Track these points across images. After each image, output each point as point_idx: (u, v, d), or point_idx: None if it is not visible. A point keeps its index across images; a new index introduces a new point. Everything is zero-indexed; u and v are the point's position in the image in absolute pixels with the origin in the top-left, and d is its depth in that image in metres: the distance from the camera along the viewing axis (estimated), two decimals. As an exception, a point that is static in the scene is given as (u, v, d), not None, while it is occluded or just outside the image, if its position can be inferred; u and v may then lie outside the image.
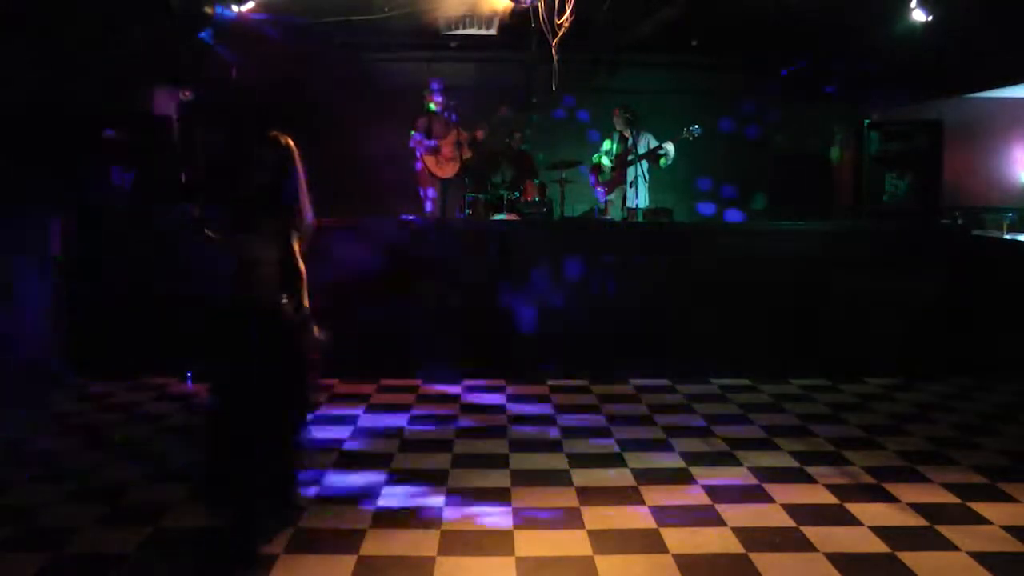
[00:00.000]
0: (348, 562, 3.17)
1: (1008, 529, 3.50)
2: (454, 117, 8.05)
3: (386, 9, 7.42)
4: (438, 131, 8.01)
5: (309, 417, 3.79)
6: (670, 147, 7.60)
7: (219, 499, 3.45)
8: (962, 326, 6.05)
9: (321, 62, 9.03)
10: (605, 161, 8.00)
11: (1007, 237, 7.07)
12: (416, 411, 5.18)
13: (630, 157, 7.71)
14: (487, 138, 8.16)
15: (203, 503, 3.55)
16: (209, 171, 7.08)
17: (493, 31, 8.32)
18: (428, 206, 8.15)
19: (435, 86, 8.04)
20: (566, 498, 3.80)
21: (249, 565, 3.15)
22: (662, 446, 4.55)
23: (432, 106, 8.06)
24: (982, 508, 3.71)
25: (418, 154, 8.08)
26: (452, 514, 3.62)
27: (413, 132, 8.02)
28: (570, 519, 3.58)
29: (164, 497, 3.72)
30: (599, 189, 8.11)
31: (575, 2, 6.00)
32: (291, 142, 3.49)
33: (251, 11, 7.10)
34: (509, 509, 3.66)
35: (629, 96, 8.22)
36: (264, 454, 3.38)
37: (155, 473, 4.07)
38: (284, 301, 3.38)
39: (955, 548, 3.33)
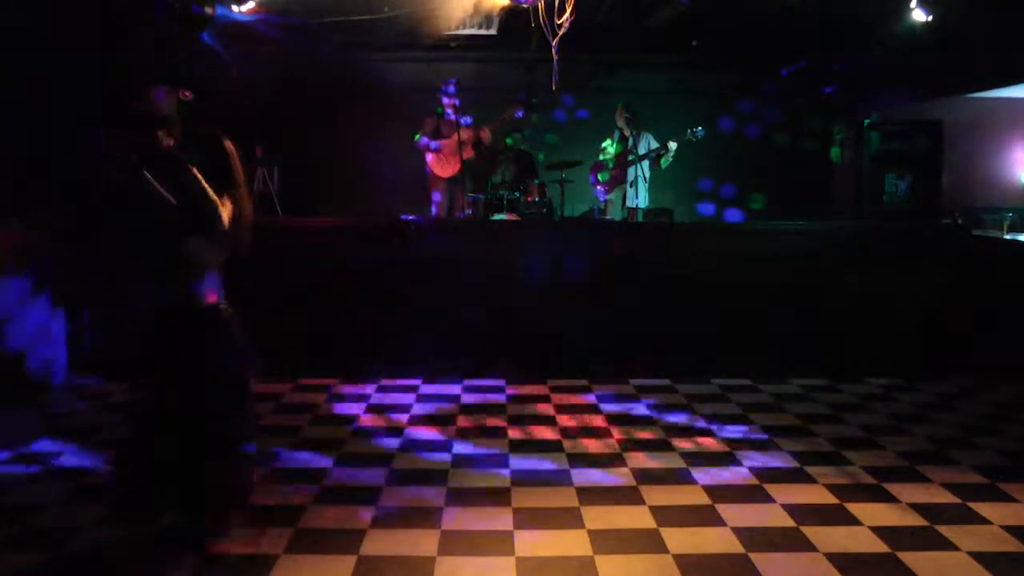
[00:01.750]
0: (348, 562, 3.17)
1: (1008, 529, 3.51)
2: (467, 120, 7.98)
3: (386, 9, 7.42)
4: (445, 132, 7.97)
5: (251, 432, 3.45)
6: (673, 145, 7.60)
7: (133, 512, 3.31)
8: (962, 326, 6.05)
9: (321, 62, 9.03)
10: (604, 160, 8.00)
11: (1007, 237, 7.06)
12: (416, 410, 5.19)
13: (630, 157, 7.71)
14: (492, 140, 8.11)
15: (118, 516, 3.44)
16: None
17: (493, 31, 8.32)
18: (434, 207, 8.13)
19: (449, 88, 7.91)
20: (566, 498, 3.81)
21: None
22: (662, 446, 4.55)
23: (439, 108, 8.02)
24: (982, 508, 3.72)
25: (426, 156, 8.06)
26: (451, 514, 3.62)
27: (419, 136, 7.99)
28: (570, 519, 3.58)
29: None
30: (599, 189, 8.11)
31: (575, 2, 6.00)
32: (227, 142, 3.26)
33: (251, 11, 7.10)
34: (509, 509, 3.67)
35: (629, 96, 8.21)
36: (190, 466, 3.17)
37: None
38: (222, 306, 3.26)
39: (955, 548, 3.33)
